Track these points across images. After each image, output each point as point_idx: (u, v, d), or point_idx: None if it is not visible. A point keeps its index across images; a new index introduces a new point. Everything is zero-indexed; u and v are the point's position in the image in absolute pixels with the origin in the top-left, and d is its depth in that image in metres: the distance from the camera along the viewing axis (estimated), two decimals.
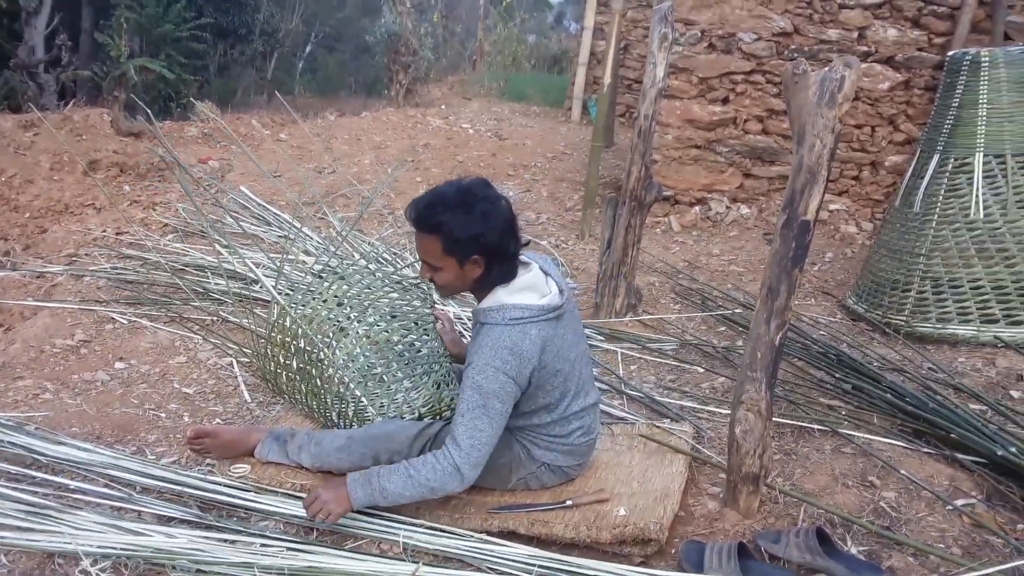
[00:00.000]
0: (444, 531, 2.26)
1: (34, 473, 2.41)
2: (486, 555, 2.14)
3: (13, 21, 12.19)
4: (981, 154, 3.82)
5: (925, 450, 2.72)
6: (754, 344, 2.33)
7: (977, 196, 3.78)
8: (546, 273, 2.32)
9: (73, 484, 2.36)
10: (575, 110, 9.83)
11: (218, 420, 2.86)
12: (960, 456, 2.64)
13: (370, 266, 2.90)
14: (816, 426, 2.86)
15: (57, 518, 2.20)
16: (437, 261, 2.19)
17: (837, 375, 3.29)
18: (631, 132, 4.04)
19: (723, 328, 3.96)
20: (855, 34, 5.55)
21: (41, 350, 3.25)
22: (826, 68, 2.19)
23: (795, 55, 5.54)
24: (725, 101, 5.72)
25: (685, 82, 5.65)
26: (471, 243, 2.13)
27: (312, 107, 13.58)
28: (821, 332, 3.83)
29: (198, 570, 2.04)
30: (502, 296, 2.22)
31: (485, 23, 15.14)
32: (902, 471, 2.55)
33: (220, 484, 2.40)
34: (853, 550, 2.20)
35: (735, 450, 2.36)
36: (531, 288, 2.24)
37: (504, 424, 2.21)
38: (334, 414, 2.69)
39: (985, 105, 3.82)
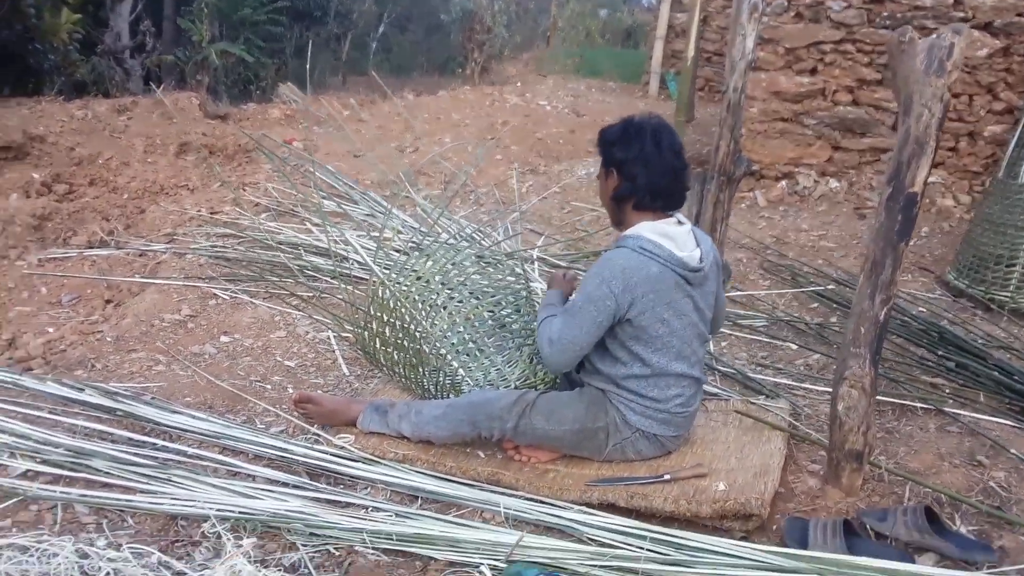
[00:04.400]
0: (545, 502, 2.29)
1: (154, 440, 2.53)
2: (587, 526, 2.17)
3: (99, 9, 12.61)
4: None
5: None
6: (857, 319, 2.29)
7: None
8: (698, 240, 2.38)
9: (190, 451, 2.47)
10: (653, 84, 9.70)
11: (320, 391, 2.95)
12: None
13: (462, 244, 2.94)
14: (919, 404, 2.80)
15: (178, 483, 2.32)
16: (599, 171, 2.46)
17: (940, 352, 3.21)
18: (711, 107, 3.98)
19: (815, 305, 3.89)
20: None
21: (151, 324, 3.40)
22: (934, 35, 2.13)
23: (888, 23, 5.36)
24: (813, 72, 5.57)
25: (771, 53, 5.53)
26: (608, 155, 2.38)
27: (387, 87, 13.74)
28: (921, 308, 3.73)
29: (311, 533, 2.12)
30: (643, 230, 2.32)
31: None
32: (1012, 450, 2.48)
33: (326, 452, 2.49)
34: (963, 530, 2.16)
35: (838, 427, 2.33)
36: (674, 239, 2.32)
37: (595, 334, 2.31)
38: (432, 386, 2.76)
39: None
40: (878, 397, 2.76)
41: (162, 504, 2.22)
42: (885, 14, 5.39)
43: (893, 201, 2.21)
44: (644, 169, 2.32)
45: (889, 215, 2.22)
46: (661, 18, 9.45)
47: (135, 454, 2.44)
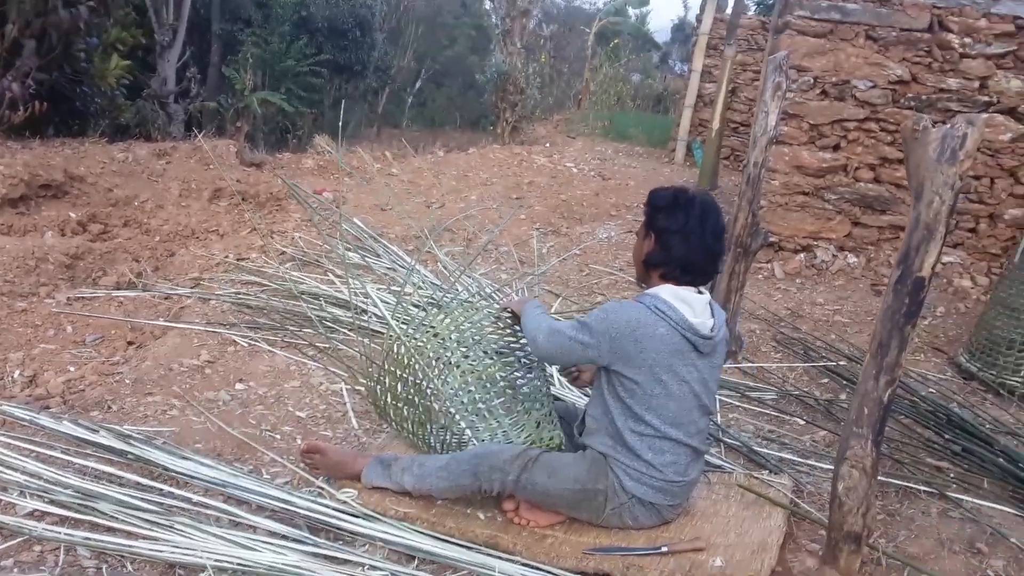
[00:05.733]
0: (541, 569, 2.30)
1: (161, 485, 2.58)
2: None
3: (148, 54, 13.08)
4: None
5: None
6: (861, 400, 2.31)
7: None
8: (713, 311, 2.44)
9: (195, 498, 2.52)
10: (679, 151, 9.84)
11: (328, 443, 2.99)
12: None
13: (480, 302, 3.00)
14: (923, 487, 2.79)
15: (180, 530, 2.36)
16: (640, 229, 2.53)
17: (946, 436, 3.19)
18: (735, 176, 4.05)
19: (825, 380, 3.89)
20: (976, 83, 5.41)
21: (170, 368, 3.48)
22: (948, 124, 2.18)
23: (912, 104, 5.44)
24: (836, 148, 5.64)
25: (795, 128, 5.62)
26: (652, 219, 2.45)
27: (419, 141, 14.03)
28: (930, 390, 3.72)
29: None
30: (663, 292, 2.39)
31: (592, 63, 15.34)
32: (1012, 539, 2.46)
33: (329, 506, 2.52)
34: None
35: (837, 507, 2.33)
36: (689, 305, 2.37)
37: (579, 355, 2.40)
38: (438, 444, 2.79)
39: None
40: (881, 478, 2.77)
41: (162, 551, 2.26)
42: (910, 95, 5.48)
43: (901, 284, 2.24)
44: (683, 243, 2.38)
45: (897, 298, 2.24)
46: (690, 87, 9.63)
47: (141, 499, 2.48)
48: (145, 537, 2.32)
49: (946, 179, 2.16)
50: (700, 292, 2.44)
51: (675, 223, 2.39)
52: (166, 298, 4.52)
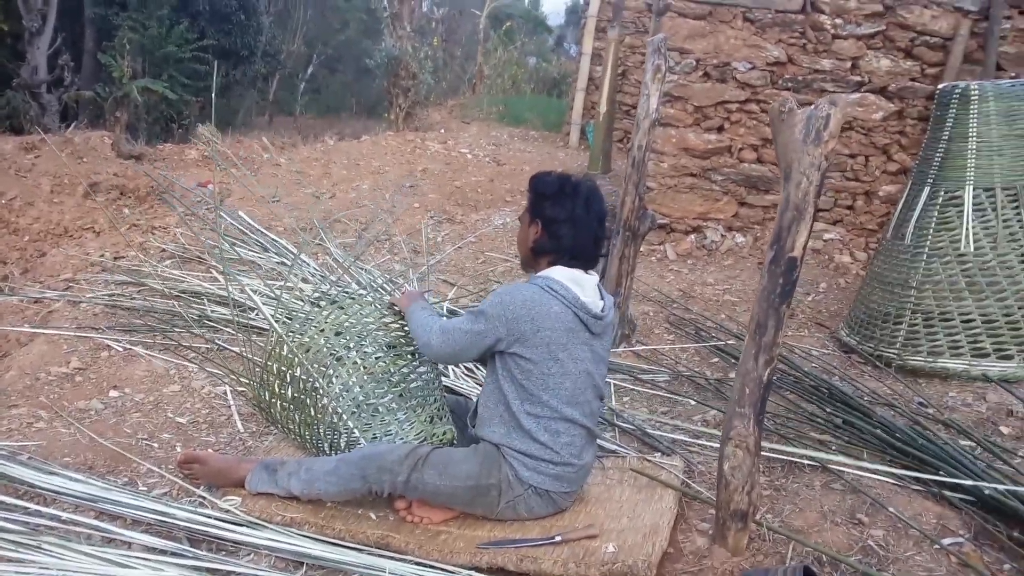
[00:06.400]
0: (433, 567, 2.26)
1: (26, 504, 2.41)
2: None
3: (16, 41, 12.32)
4: (971, 187, 3.85)
5: (914, 487, 2.73)
6: (742, 380, 2.34)
7: (967, 230, 3.82)
8: (602, 294, 2.47)
9: (65, 516, 2.37)
10: (573, 135, 9.90)
11: (210, 450, 2.87)
12: (948, 494, 2.65)
13: (368, 295, 2.91)
14: (806, 461, 2.87)
15: (48, 551, 2.20)
16: (522, 218, 2.52)
17: (828, 409, 3.31)
18: (627, 159, 4.07)
19: (716, 360, 3.98)
20: (848, 64, 5.61)
21: (36, 377, 3.26)
22: (812, 106, 2.23)
23: (789, 85, 5.60)
24: (720, 130, 5.77)
25: (680, 110, 5.71)
26: (538, 208, 2.44)
27: (313, 128, 13.69)
28: (813, 364, 3.85)
29: None
30: (554, 273, 2.41)
31: (485, 46, 15.28)
32: (890, 508, 2.56)
33: (210, 516, 2.41)
34: None
35: (724, 487, 2.37)
36: (580, 285, 2.39)
37: (478, 346, 2.39)
38: (326, 445, 2.71)
39: (975, 139, 3.86)
40: (767, 453, 2.84)
41: (29, 573, 2.11)
42: (787, 76, 5.64)
43: (775, 264, 2.27)
44: (571, 231, 2.40)
45: (771, 278, 2.28)
46: (582, 71, 9.69)
47: (5, 518, 2.31)
48: (10, 559, 2.16)
49: (812, 160, 2.20)
50: (589, 274, 2.46)
51: (562, 212, 2.40)
52: (35, 302, 4.25)
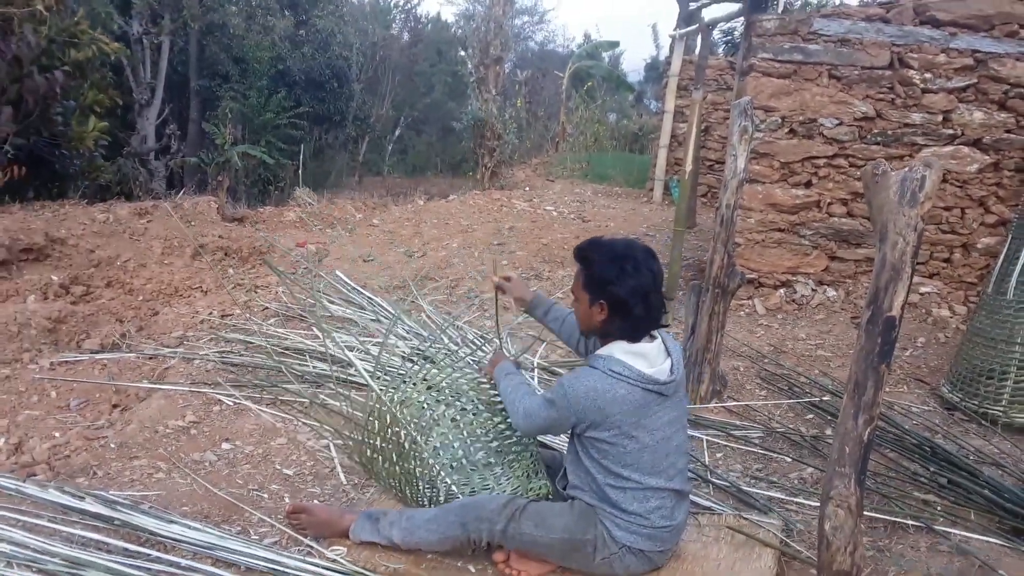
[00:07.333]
0: None
1: (148, 551, 2.56)
2: None
3: (127, 112, 13.20)
4: None
5: None
6: (842, 439, 2.33)
7: None
8: (668, 353, 2.44)
9: (184, 562, 2.50)
10: (657, 191, 9.97)
11: (316, 501, 2.99)
12: None
13: (461, 351, 3.01)
14: (911, 522, 2.81)
15: None
16: (578, 292, 2.48)
17: (932, 468, 3.22)
18: (713, 213, 4.11)
19: (811, 416, 3.92)
20: (939, 117, 5.54)
21: (155, 430, 3.47)
22: (906, 168, 2.24)
23: (879, 139, 5.56)
24: (808, 185, 5.75)
25: (767, 167, 5.72)
26: (600, 287, 2.38)
27: (400, 187, 14.13)
28: (914, 422, 3.76)
29: None
30: (616, 351, 2.39)
31: (567, 105, 15.56)
32: (1000, 571, 2.48)
33: (318, 565, 2.51)
34: None
35: (825, 547, 2.34)
36: (644, 356, 2.38)
37: (558, 430, 2.49)
38: (426, 500, 2.79)
39: None
40: (869, 513, 2.79)
41: None
42: (876, 131, 5.60)
43: (872, 324, 2.28)
44: (641, 305, 2.36)
45: (869, 338, 2.28)
46: (664, 128, 9.78)
47: (130, 565, 2.46)
48: None
49: (908, 221, 2.22)
50: (652, 338, 2.44)
51: (626, 289, 2.35)
52: (150, 358, 4.51)
